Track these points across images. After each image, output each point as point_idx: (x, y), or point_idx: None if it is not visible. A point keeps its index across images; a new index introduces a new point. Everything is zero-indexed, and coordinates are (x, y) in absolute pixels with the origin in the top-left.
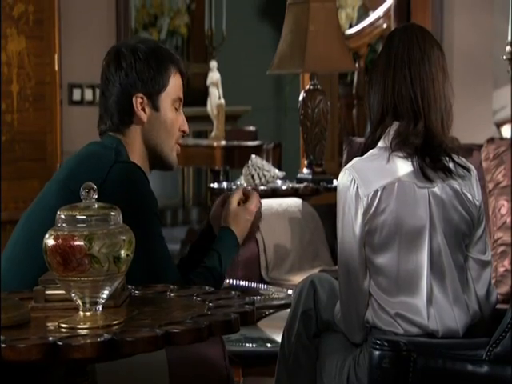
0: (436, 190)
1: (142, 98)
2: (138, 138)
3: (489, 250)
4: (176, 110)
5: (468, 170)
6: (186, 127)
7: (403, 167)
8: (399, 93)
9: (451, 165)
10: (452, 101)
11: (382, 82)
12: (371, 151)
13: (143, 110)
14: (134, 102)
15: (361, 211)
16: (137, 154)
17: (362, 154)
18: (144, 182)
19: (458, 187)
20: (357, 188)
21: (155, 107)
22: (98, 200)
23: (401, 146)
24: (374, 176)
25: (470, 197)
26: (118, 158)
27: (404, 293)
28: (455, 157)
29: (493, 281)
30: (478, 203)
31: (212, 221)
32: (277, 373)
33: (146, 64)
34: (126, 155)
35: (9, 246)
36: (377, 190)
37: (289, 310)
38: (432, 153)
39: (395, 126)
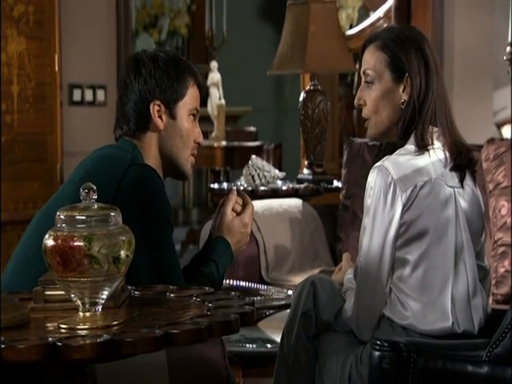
0: (461, 190)
1: (159, 105)
2: (154, 144)
3: (486, 260)
4: (192, 120)
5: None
6: (201, 139)
7: (436, 165)
8: (433, 95)
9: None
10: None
11: (415, 82)
12: (402, 149)
13: (160, 117)
14: (151, 109)
15: (399, 208)
16: (151, 161)
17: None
18: (159, 186)
19: (477, 192)
20: (394, 185)
21: (172, 115)
22: (113, 201)
23: (438, 145)
24: (411, 172)
25: (482, 203)
26: (134, 161)
27: (429, 289)
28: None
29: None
30: (483, 209)
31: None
32: (275, 373)
33: (165, 72)
34: (141, 160)
35: (20, 244)
36: (415, 187)
37: (289, 310)
38: (460, 155)
39: (429, 125)
